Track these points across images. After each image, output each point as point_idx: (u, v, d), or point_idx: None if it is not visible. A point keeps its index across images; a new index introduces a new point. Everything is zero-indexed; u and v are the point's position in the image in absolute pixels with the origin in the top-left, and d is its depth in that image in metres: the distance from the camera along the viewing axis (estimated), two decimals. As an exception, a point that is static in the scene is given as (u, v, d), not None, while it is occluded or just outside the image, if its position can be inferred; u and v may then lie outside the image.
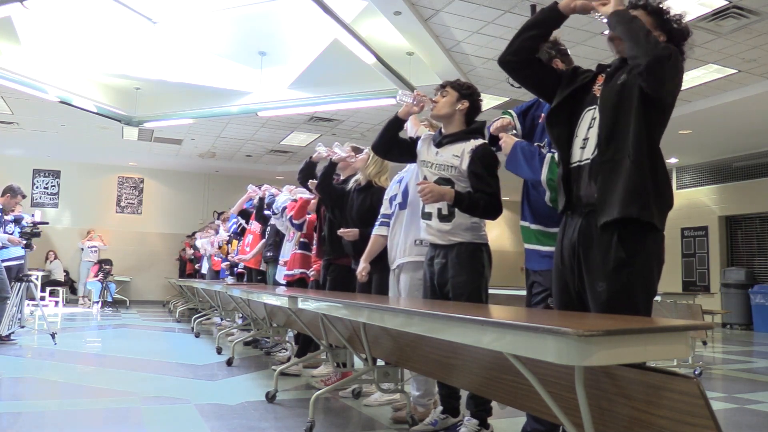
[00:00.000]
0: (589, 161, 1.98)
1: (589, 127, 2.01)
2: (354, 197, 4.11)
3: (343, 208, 4.19)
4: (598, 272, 1.91)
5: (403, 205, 3.48)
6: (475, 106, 3.00)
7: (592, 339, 1.35)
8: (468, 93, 2.99)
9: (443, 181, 2.89)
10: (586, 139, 2.01)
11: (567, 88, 2.12)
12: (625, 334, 1.44)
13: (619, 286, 1.89)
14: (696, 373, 5.22)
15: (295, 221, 5.16)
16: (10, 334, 6.28)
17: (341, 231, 4.00)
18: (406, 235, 3.38)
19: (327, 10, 6.14)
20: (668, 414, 1.59)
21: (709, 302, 9.14)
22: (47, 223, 6.88)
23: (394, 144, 3.15)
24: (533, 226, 2.54)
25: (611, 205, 1.89)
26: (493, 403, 2.88)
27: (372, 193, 4.00)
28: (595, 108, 2.02)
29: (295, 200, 5.33)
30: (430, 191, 2.78)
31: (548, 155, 2.37)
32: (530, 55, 2.20)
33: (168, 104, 9.95)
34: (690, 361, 5.31)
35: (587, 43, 6.54)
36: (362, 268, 3.66)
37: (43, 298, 10.60)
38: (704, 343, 7.83)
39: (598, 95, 2.03)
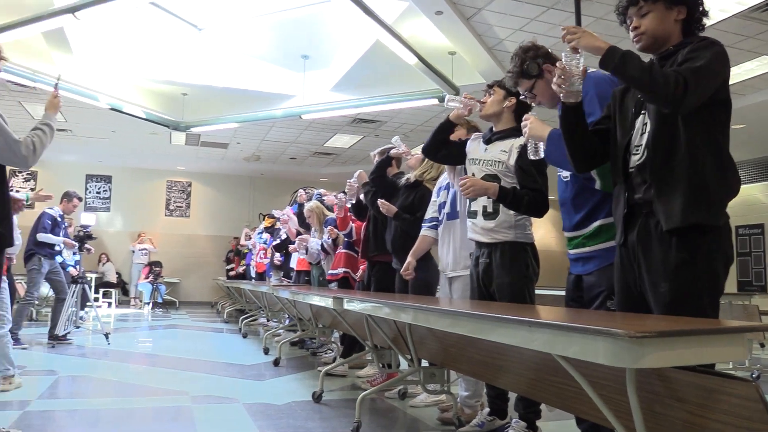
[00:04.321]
0: (644, 165, 1.93)
1: (642, 134, 1.96)
2: (401, 192, 4.17)
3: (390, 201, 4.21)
4: (660, 272, 1.86)
5: (452, 215, 3.46)
6: (523, 103, 2.97)
7: (644, 341, 1.32)
8: (515, 90, 2.96)
9: (490, 177, 2.87)
10: (638, 146, 1.96)
11: (619, 111, 2.08)
12: (678, 335, 1.39)
13: (682, 286, 1.83)
14: (753, 376, 5.04)
15: (342, 232, 5.32)
16: (66, 334, 6.50)
17: (380, 201, 4.05)
18: (461, 248, 3.35)
19: (368, 11, 6.16)
20: (725, 418, 1.54)
21: (766, 302, 8.82)
22: (89, 226, 7.12)
23: (443, 147, 3.18)
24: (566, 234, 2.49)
25: (672, 212, 1.84)
26: (542, 406, 2.84)
27: (418, 191, 4.05)
28: (644, 113, 1.97)
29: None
30: (471, 185, 2.77)
31: None
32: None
33: (214, 109, 10.14)
34: (747, 363, 5.13)
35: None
36: (408, 263, 3.64)
37: (96, 300, 10.93)
38: (762, 345, 7.55)
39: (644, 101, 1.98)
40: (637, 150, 1.96)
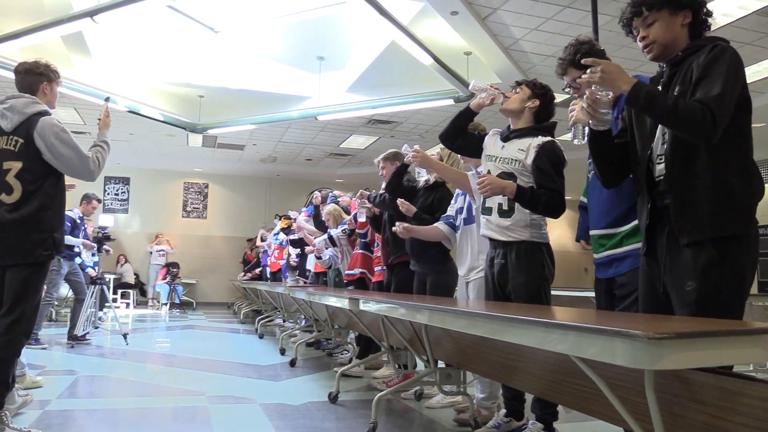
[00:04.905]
0: (666, 176, 1.91)
1: (663, 143, 1.93)
2: (420, 194, 4.19)
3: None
4: (688, 271, 1.84)
5: (468, 220, 3.50)
6: (546, 107, 2.98)
7: (663, 342, 1.30)
8: (541, 93, 2.98)
9: (506, 175, 2.86)
10: (661, 155, 1.94)
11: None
12: (698, 337, 1.38)
13: (709, 285, 1.80)
14: (775, 378, 4.97)
15: (359, 231, 5.32)
16: (85, 334, 6.57)
17: (400, 201, 4.05)
18: (479, 251, 3.37)
19: (383, 12, 6.16)
20: (746, 421, 1.52)
21: (787, 303, 8.68)
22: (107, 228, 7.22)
23: (460, 134, 3.17)
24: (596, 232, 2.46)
25: (697, 224, 1.82)
26: (559, 407, 2.82)
27: (437, 192, 4.07)
28: None
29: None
30: (489, 184, 2.76)
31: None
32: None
33: (230, 111, 10.21)
34: (767, 365, 5.06)
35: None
36: (407, 226, 3.71)
37: (114, 300, 11.04)
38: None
39: None
40: (660, 159, 1.94)
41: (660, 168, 1.94)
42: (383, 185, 4.61)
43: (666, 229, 1.92)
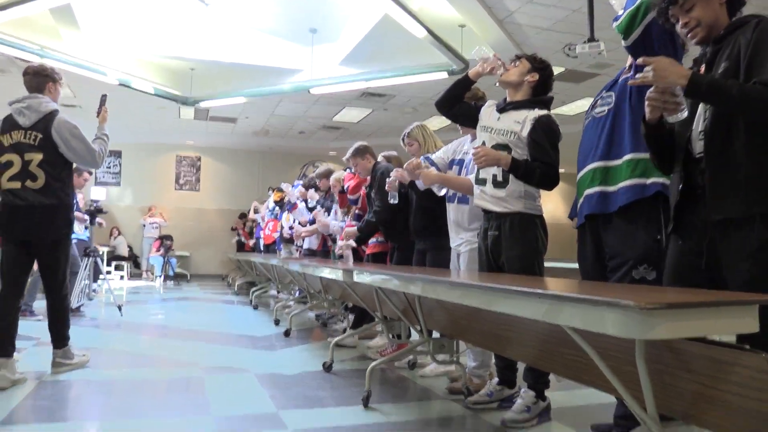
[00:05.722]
0: (706, 152, 1.89)
1: (704, 120, 1.91)
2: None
3: None
4: (738, 253, 1.81)
5: (451, 198, 3.52)
6: (544, 82, 2.98)
7: (654, 312, 1.32)
8: (540, 67, 2.97)
9: (500, 147, 2.86)
10: (701, 132, 1.91)
11: None
12: (689, 307, 1.40)
13: (762, 266, 1.78)
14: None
15: (350, 196, 5.27)
16: (79, 307, 6.58)
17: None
18: (467, 221, 3.40)
19: (377, -17, 6.08)
20: (735, 390, 1.55)
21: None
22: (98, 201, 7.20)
23: (457, 102, 3.17)
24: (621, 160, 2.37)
25: (730, 201, 1.81)
26: (551, 376, 2.87)
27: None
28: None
29: (354, 174, 5.39)
30: (484, 155, 2.78)
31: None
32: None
33: (222, 84, 10.11)
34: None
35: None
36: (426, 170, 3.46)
37: (108, 273, 11.04)
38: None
39: None
40: (701, 136, 1.92)
41: (700, 145, 1.91)
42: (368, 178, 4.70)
43: (700, 207, 1.89)
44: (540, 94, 2.97)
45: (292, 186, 8.28)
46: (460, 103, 3.18)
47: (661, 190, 2.27)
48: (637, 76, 1.86)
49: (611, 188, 2.35)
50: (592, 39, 5.37)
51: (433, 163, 3.64)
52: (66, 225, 3.59)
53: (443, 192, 3.54)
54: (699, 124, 1.93)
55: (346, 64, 9.04)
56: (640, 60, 1.85)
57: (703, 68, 1.96)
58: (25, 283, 3.74)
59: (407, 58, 8.56)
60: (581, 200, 2.46)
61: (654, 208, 2.29)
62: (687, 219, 1.95)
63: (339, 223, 5.75)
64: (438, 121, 11.27)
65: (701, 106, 1.93)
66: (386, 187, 3.96)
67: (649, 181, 2.28)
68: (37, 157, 3.48)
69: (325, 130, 13.49)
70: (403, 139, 4.19)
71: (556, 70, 8.39)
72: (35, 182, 3.47)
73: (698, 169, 1.91)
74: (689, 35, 1.98)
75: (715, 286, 1.89)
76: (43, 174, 3.48)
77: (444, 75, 8.31)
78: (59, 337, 3.69)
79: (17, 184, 3.48)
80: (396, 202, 3.92)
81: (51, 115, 3.56)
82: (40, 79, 3.66)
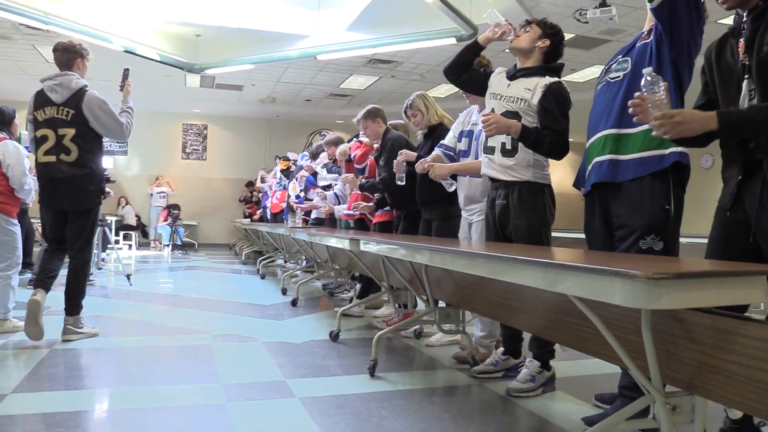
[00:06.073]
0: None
1: (750, 99, 1.85)
2: (423, 150, 4.06)
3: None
4: None
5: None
6: (555, 47, 2.91)
7: (660, 282, 1.32)
8: (551, 33, 2.90)
9: (510, 114, 2.83)
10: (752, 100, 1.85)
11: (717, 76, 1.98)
12: (695, 277, 1.39)
13: None
14: (768, 318, 5.04)
15: (357, 165, 5.25)
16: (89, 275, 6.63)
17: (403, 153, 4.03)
18: (479, 194, 3.37)
19: (384, -53, 5.96)
20: (739, 359, 1.55)
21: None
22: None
23: (465, 69, 3.12)
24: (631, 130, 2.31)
25: None
26: (556, 346, 2.88)
27: (435, 135, 3.99)
28: (748, 78, 1.85)
29: (360, 142, 5.37)
30: (494, 122, 2.74)
31: None
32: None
33: (228, 50, 10.00)
34: (762, 306, 5.12)
35: None
36: (438, 165, 3.48)
37: (117, 242, 11.12)
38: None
39: (747, 63, 1.85)
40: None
41: None
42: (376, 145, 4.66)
43: (757, 182, 1.86)
44: (551, 60, 2.92)
45: (300, 157, 8.26)
46: (469, 70, 3.12)
47: (680, 159, 2.22)
48: (666, 136, 1.81)
49: (623, 157, 2.30)
50: (603, 3, 5.27)
51: (448, 149, 3.63)
52: (98, 194, 3.88)
53: (453, 188, 3.50)
54: (745, 102, 1.87)
55: (354, 30, 8.92)
56: (658, 115, 1.79)
57: (741, 45, 1.89)
58: (64, 241, 3.93)
59: (415, 23, 8.42)
60: (590, 167, 2.43)
61: (665, 178, 2.25)
62: (743, 192, 1.90)
63: (342, 209, 5.80)
64: (446, 89, 11.16)
65: (745, 86, 1.87)
66: (393, 169, 3.99)
67: (668, 151, 2.22)
68: (70, 131, 3.71)
69: (332, 97, 13.40)
70: (405, 111, 4.15)
71: (567, 36, 8.25)
72: (69, 156, 3.72)
73: (750, 147, 1.86)
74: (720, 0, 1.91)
75: (760, 259, 1.87)
76: (75, 148, 3.72)
77: (452, 41, 8.18)
78: (73, 303, 3.80)
79: (52, 158, 3.72)
80: (403, 183, 3.98)
81: (81, 92, 3.75)
82: (69, 55, 3.83)
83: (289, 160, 9.08)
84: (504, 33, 2.95)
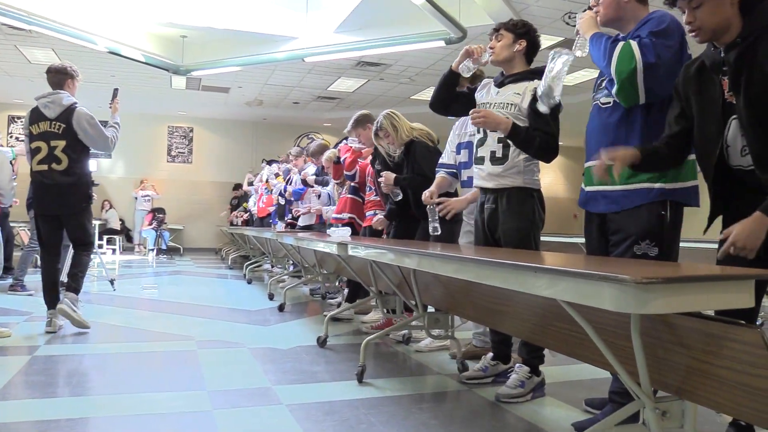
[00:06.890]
0: (758, 164, 1.82)
1: (742, 135, 1.83)
2: (405, 166, 4.07)
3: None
4: None
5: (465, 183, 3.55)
6: (533, 43, 2.90)
7: (650, 287, 1.31)
8: (523, 32, 2.88)
9: None
10: (745, 147, 1.84)
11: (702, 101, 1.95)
12: (685, 282, 1.38)
13: None
14: (759, 324, 5.07)
15: (347, 172, 5.22)
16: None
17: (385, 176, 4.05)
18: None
19: (372, -51, 5.95)
20: (729, 364, 1.55)
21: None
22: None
23: (451, 99, 3.09)
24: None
25: None
26: (546, 351, 2.86)
27: (411, 150, 4.03)
28: (737, 119, 1.84)
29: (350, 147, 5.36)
30: (484, 115, 2.72)
31: (620, 44, 2.18)
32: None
33: (214, 52, 9.94)
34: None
35: None
36: (432, 191, 3.44)
37: (100, 246, 11.00)
38: None
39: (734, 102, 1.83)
40: (745, 151, 1.84)
41: (747, 159, 1.85)
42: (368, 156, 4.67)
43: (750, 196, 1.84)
44: (532, 56, 2.91)
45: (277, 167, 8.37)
46: (456, 98, 3.08)
47: (667, 196, 2.22)
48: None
49: (617, 188, 2.29)
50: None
51: (449, 167, 3.62)
52: (86, 199, 4.28)
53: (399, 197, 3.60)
54: (737, 141, 1.86)
55: (341, 32, 8.89)
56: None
57: (725, 83, 1.87)
58: (60, 247, 4.36)
59: (404, 26, 8.41)
60: (589, 192, 2.42)
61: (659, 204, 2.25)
62: (742, 210, 1.84)
63: (331, 210, 5.80)
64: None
65: (734, 125, 1.86)
66: (384, 189, 4.01)
67: (657, 185, 2.22)
68: (61, 143, 4.13)
69: (319, 100, 13.36)
70: (376, 133, 4.15)
71: (555, 39, 8.29)
72: (60, 165, 4.13)
73: (750, 177, 1.85)
74: (692, 34, 1.90)
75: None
76: (65, 158, 4.13)
77: (441, 43, 8.18)
78: (74, 283, 4.20)
79: (45, 167, 4.14)
80: (400, 198, 4.08)
81: (71, 108, 4.18)
82: (60, 76, 4.29)
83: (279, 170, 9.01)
84: (477, 57, 2.91)
